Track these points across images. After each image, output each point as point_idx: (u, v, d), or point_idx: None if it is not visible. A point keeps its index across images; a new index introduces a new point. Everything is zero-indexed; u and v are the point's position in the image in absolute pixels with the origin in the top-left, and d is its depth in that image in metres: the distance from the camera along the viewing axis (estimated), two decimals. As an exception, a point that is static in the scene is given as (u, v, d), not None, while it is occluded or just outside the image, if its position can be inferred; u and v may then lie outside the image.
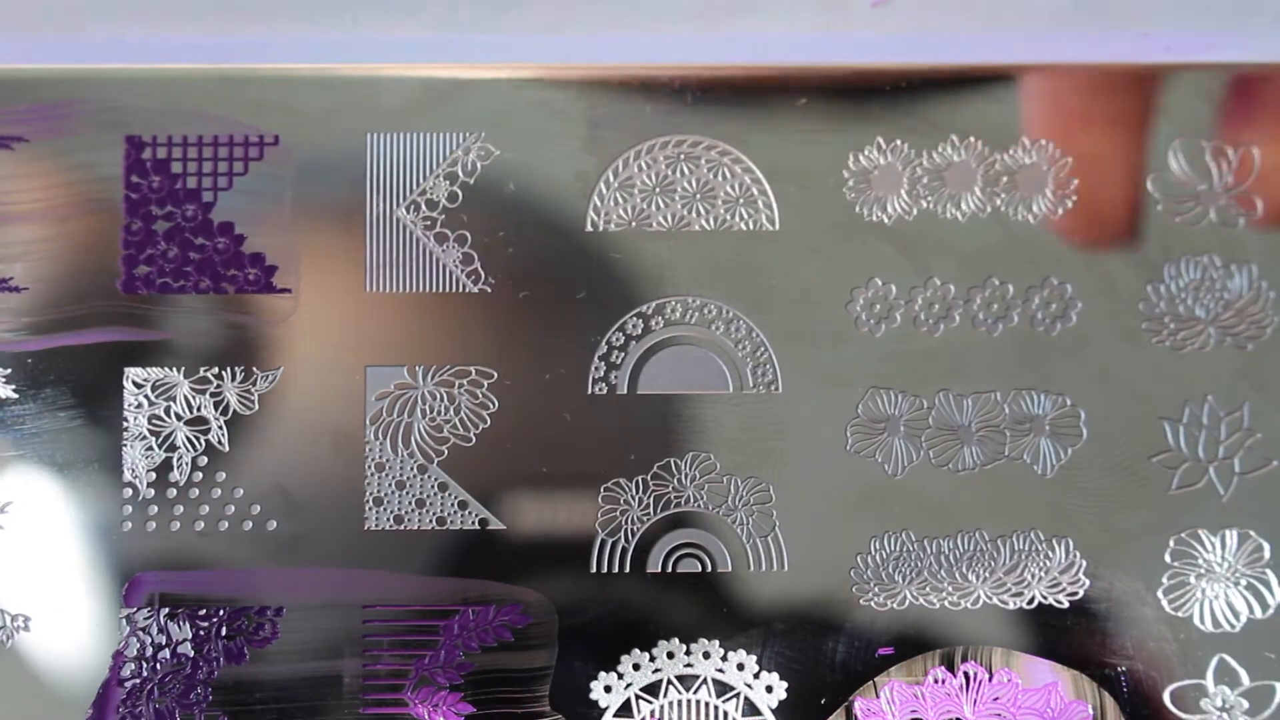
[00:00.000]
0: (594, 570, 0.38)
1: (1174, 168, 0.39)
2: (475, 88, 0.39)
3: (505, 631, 0.38)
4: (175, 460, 0.38)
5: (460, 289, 0.38)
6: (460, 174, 0.39)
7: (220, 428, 0.38)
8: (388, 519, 0.38)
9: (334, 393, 0.38)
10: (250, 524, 0.38)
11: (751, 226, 0.39)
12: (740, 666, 0.38)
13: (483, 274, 0.39)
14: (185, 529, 0.38)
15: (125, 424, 0.38)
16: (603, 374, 0.38)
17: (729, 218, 0.39)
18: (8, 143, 0.39)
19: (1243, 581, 0.38)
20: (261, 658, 0.38)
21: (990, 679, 0.38)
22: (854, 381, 0.39)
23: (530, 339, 0.38)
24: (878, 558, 0.38)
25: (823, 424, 0.38)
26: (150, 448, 0.38)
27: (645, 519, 0.38)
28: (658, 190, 0.39)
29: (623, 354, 0.39)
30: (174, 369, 0.38)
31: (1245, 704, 0.38)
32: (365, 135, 0.39)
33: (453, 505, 0.38)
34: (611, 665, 0.38)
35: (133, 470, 0.38)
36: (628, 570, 0.38)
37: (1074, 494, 0.38)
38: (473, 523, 0.38)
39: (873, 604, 0.38)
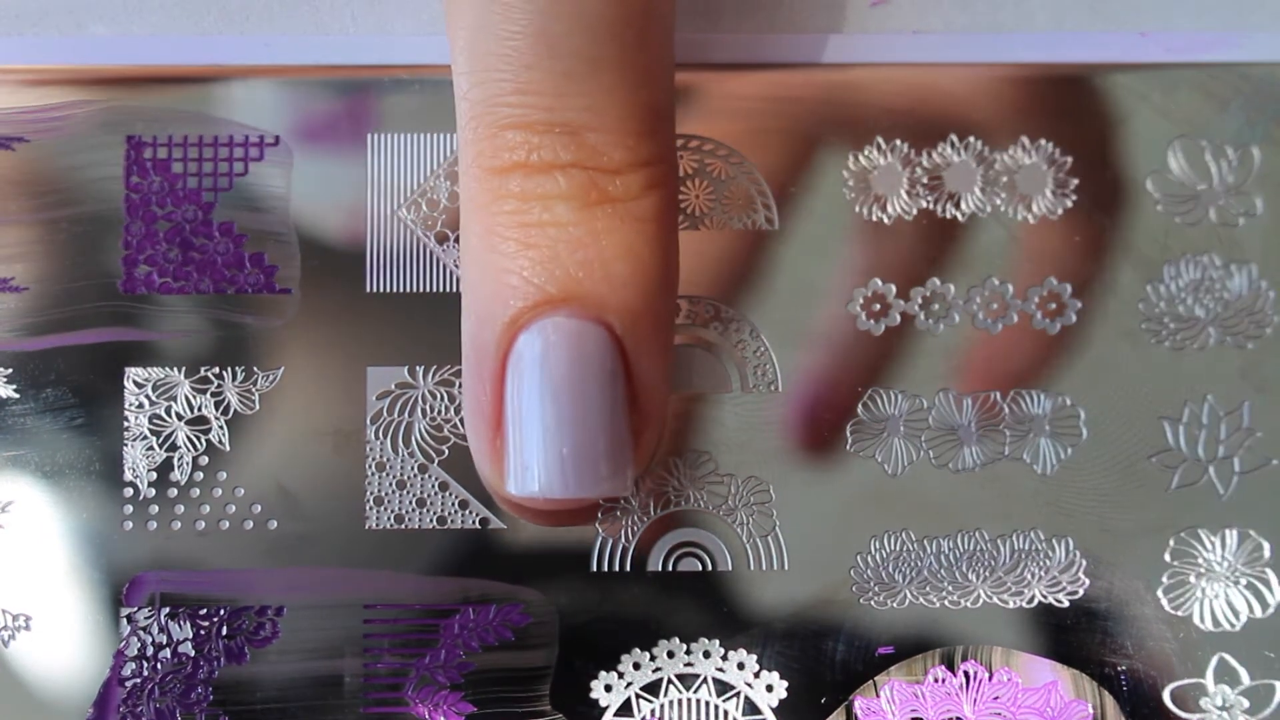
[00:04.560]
0: (594, 569, 0.38)
1: (1174, 167, 0.39)
2: (475, 88, 0.39)
3: (506, 631, 0.38)
4: (176, 460, 0.38)
5: (460, 289, 0.38)
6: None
7: (221, 427, 0.38)
8: (389, 518, 0.38)
9: (335, 392, 0.38)
10: (251, 523, 0.38)
11: (751, 226, 0.39)
12: (740, 666, 0.38)
13: (483, 274, 0.39)
14: (186, 529, 0.38)
15: (126, 424, 0.38)
16: (603, 374, 0.38)
17: (729, 218, 0.39)
18: (8, 143, 0.39)
19: (1242, 581, 0.38)
20: (262, 657, 0.38)
21: (990, 678, 0.38)
22: (854, 381, 0.39)
23: (531, 339, 0.38)
24: (878, 557, 0.38)
25: (823, 423, 0.39)
26: (151, 447, 0.38)
27: (645, 518, 0.38)
28: (658, 190, 0.39)
29: (623, 354, 0.39)
30: (175, 369, 0.38)
31: (1245, 703, 0.38)
32: (366, 135, 0.39)
33: (453, 505, 0.38)
34: (612, 664, 0.38)
35: (133, 470, 0.38)
36: (628, 569, 0.38)
37: (1074, 493, 0.38)
38: (473, 522, 0.38)
39: (873, 603, 0.38)
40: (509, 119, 0.34)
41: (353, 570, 0.38)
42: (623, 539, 0.38)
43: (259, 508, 0.38)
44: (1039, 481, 0.38)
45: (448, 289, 0.39)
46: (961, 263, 0.39)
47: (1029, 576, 0.38)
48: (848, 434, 0.39)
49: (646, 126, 0.35)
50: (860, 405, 0.39)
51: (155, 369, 0.38)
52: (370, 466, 0.38)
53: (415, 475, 0.38)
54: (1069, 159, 0.39)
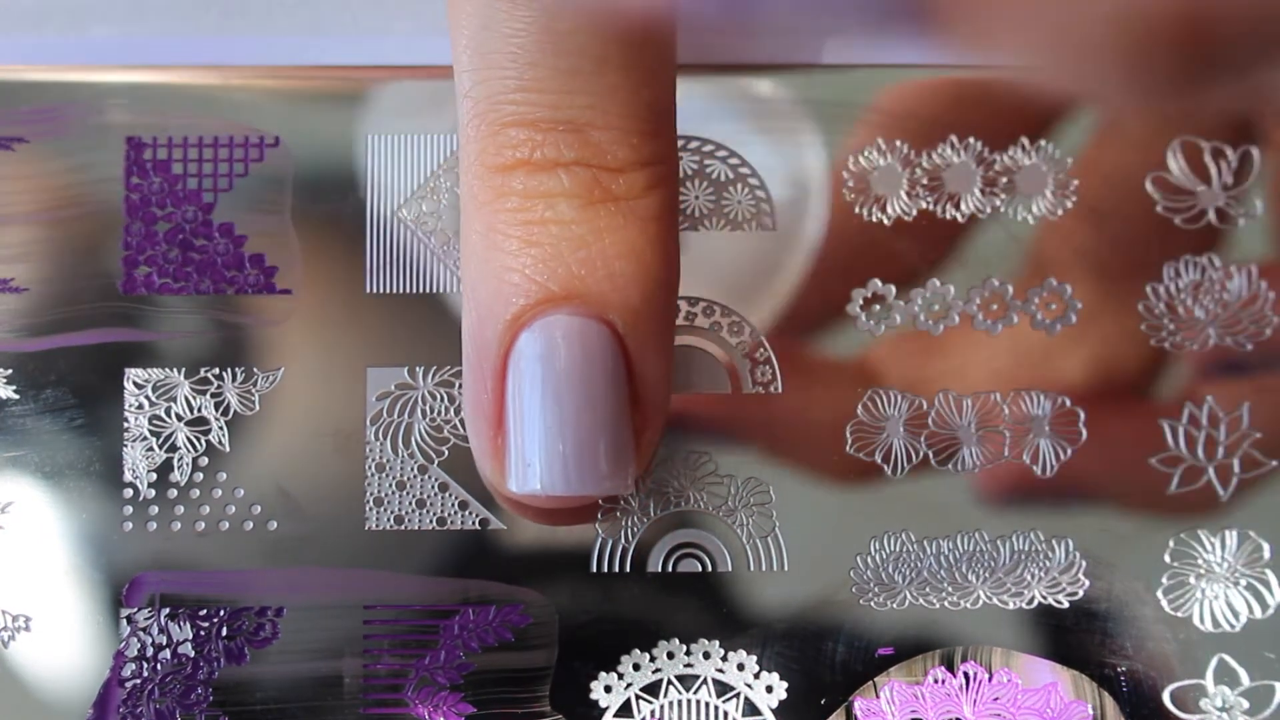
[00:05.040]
0: (594, 570, 0.38)
1: (1174, 168, 0.39)
2: (475, 88, 0.39)
3: (506, 631, 0.38)
4: (176, 461, 0.38)
5: (460, 289, 0.38)
6: (460, 174, 0.39)
7: (221, 428, 0.38)
8: (388, 519, 0.38)
9: (334, 393, 0.38)
10: (251, 524, 0.38)
11: (751, 226, 0.39)
12: (740, 667, 0.38)
13: (483, 274, 0.39)
14: (186, 529, 0.38)
15: (126, 425, 0.38)
16: (603, 374, 0.38)
17: (729, 218, 0.39)
18: (8, 143, 0.39)
19: (1242, 582, 0.38)
20: (262, 658, 0.38)
21: (990, 679, 0.38)
22: (854, 382, 0.39)
23: (530, 339, 0.38)
24: (877, 558, 0.38)
25: (823, 424, 0.39)
26: (151, 448, 0.38)
27: (645, 519, 0.38)
28: (658, 190, 0.39)
29: (623, 354, 0.39)
30: (174, 370, 0.38)
31: (1245, 704, 0.38)
32: (365, 136, 0.39)
33: (453, 505, 0.38)
34: (612, 665, 0.38)
35: (133, 471, 0.38)
36: (628, 570, 0.38)
37: (1074, 494, 0.38)
38: (473, 523, 0.38)
39: (872, 604, 0.38)
40: (512, 116, 0.34)
41: (353, 571, 0.38)
42: (623, 539, 0.38)
43: (259, 508, 0.38)
44: (1039, 482, 0.38)
45: (448, 289, 0.39)
46: (961, 263, 0.39)
47: (1029, 577, 0.38)
48: (848, 434, 0.39)
49: (650, 125, 0.35)
50: (860, 405, 0.39)
51: (155, 370, 0.38)
52: (370, 467, 0.38)
53: (415, 476, 0.38)
54: (1069, 159, 0.39)
